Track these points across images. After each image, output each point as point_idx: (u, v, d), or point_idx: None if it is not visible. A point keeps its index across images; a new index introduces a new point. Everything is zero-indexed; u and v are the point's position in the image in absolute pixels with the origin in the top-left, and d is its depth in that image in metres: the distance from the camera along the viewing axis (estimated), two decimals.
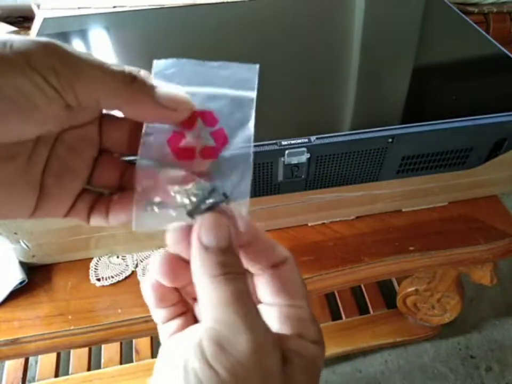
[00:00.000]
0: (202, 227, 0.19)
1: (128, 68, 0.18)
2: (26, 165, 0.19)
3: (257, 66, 0.21)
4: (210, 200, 0.20)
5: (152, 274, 0.21)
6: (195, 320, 0.23)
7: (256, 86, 0.21)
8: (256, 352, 0.17)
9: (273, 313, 0.21)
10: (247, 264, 0.22)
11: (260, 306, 0.22)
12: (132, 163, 0.21)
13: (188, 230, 0.20)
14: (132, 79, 0.18)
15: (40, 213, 0.20)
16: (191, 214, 0.20)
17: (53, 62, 0.16)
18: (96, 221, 0.21)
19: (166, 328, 0.22)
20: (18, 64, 0.16)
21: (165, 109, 0.19)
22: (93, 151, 0.21)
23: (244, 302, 0.18)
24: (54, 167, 0.20)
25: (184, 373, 0.17)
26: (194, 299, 0.23)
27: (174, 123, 0.20)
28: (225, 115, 0.21)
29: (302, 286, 0.22)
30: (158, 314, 0.22)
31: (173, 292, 0.22)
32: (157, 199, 0.20)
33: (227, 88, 0.21)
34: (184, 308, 0.23)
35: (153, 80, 0.20)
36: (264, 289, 0.22)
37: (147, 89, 0.19)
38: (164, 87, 0.19)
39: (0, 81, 0.16)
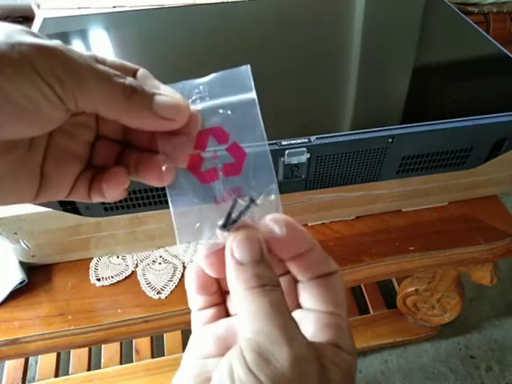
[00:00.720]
0: (234, 243, 0.20)
1: (128, 80, 0.19)
2: (27, 154, 0.19)
3: (248, 66, 0.21)
4: (236, 213, 0.20)
5: (198, 262, 0.22)
6: (227, 313, 0.24)
7: (253, 85, 0.21)
8: (297, 364, 0.17)
9: (312, 318, 0.21)
10: (297, 272, 0.22)
11: (299, 311, 0.22)
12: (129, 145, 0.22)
13: (217, 250, 0.21)
14: (131, 92, 0.18)
15: (43, 196, 0.21)
16: (224, 227, 0.20)
17: (58, 70, 0.17)
18: (97, 197, 0.22)
19: (200, 316, 0.23)
20: (26, 70, 0.16)
21: (163, 119, 0.19)
22: (90, 136, 0.22)
23: (282, 314, 0.18)
24: (53, 153, 0.20)
25: (230, 379, 0.17)
26: (228, 292, 0.23)
27: (171, 130, 0.20)
28: (234, 124, 0.21)
29: (345, 298, 0.22)
30: (195, 301, 0.24)
31: (213, 282, 0.23)
32: (197, 225, 0.21)
33: (226, 97, 0.21)
34: (220, 299, 0.24)
35: (154, 81, 0.20)
36: (308, 295, 0.22)
37: (145, 102, 0.19)
38: (163, 94, 0.20)
39: (8, 86, 0.16)
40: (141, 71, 0.22)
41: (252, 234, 0.20)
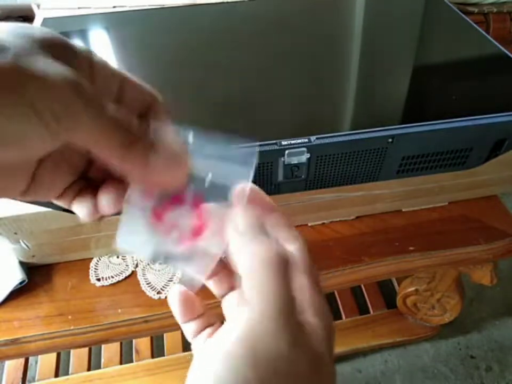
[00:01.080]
0: (237, 218, 0.21)
1: (134, 126, 0.17)
2: (22, 164, 0.19)
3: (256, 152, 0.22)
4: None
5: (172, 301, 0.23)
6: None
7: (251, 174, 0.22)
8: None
9: None
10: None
11: None
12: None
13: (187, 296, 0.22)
14: (131, 142, 0.17)
15: (30, 196, 0.20)
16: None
17: (57, 108, 0.16)
18: (79, 209, 0.21)
19: (197, 343, 0.23)
20: (25, 110, 0.15)
21: (154, 181, 0.18)
22: (84, 154, 0.21)
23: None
24: (50, 160, 0.20)
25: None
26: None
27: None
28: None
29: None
30: (188, 328, 0.23)
31: (200, 302, 0.23)
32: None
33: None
34: (213, 319, 0.24)
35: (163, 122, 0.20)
36: None
37: (142, 156, 0.17)
38: (166, 148, 0.18)
39: (4, 122, 0.15)
40: (157, 106, 0.21)
41: (253, 213, 0.21)
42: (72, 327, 0.48)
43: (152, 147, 0.18)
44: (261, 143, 0.43)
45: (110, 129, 0.16)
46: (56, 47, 0.18)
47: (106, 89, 0.18)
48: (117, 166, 0.18)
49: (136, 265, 0.54)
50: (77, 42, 0.62)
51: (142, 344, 0.92)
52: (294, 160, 0.45)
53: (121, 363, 0.90)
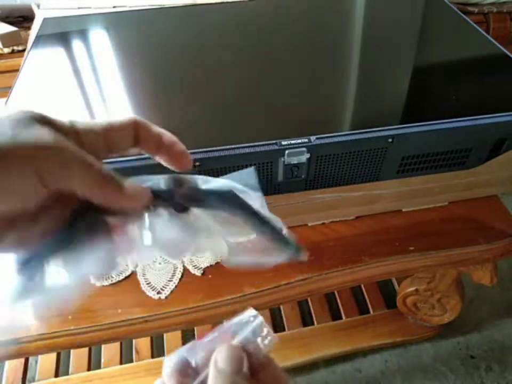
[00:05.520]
0: (219, 355, 0.23)
1: (106, 172, 0.21)
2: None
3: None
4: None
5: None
6: None
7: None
8: None
9: None
10: None
11: None
12: None
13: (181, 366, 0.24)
14: (106, 182, 0.21)
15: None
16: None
17: (55, 167, 0.19)
18: None
19: None
20: (28, 173, 0.19)
21: (128, 201, 0.22)
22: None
23: None
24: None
25: None
26: None
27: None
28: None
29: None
30: None
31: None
32: None
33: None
34: None
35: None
36: None
37: (116, 192, 0.22)
38: (131, 185, 0.22)
39: (6, 178, 0.18)
40: (143, 131, 0.24)
41: (236, 352, 0.23)
42: (72, 327, 0.48)
43: (120, 185, 0.22)
44: (261, 143, 0.43)
45: (93, 178, 0.21)
46: (45, 121, 0.21)
47: (95, 148, 0.22)
48: (96, 201, 0.22)
49: (136, 265, 0.54)
50: (77, 42, 0.62)
51: (142, 344, 0.92)
52: (294, 160, 0.45)
53: (121, 363, 0.90)
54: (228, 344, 0.23)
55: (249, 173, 0.24)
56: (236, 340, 0.24)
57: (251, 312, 0.25)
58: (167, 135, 0.25)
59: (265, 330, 0.25)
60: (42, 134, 0.19)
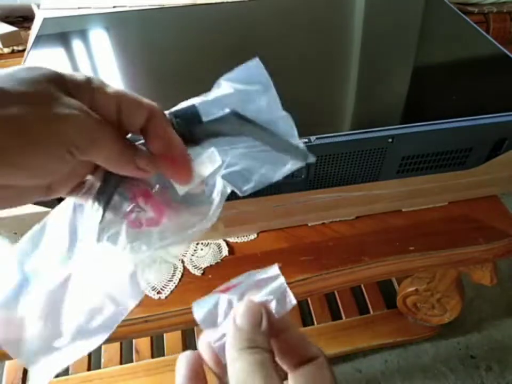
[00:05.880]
0: (238, 311, 0.22)
1: (138, 151, 0.22)
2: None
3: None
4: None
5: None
6: None
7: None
8: None
9: None
10: (279, 360, 0.23)
11: None
12: None
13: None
14: (128, 155, 0.22)
15: (44, 198, 0.23)
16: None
17: (83, 142, 0.20)
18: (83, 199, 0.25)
19: None
20: (61, 148, 0.19)
21: (139, 170, 0.23)
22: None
23: (265, 370, 0.20)
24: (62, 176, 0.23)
25: None
26: None
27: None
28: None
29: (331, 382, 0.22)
30: None
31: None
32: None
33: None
34: None
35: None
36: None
37: (131, 160, 0.22)
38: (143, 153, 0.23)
39: (42, 160, 0.19)
40: (156, 118, 0.23)
41: (255, 308, 0.22)
42: None
43: (136, 154, 0.23)
44: None
45: (120, 149, 0.21)
46: (62, 84, 0.20)
47: (106, 111, 0.21)
48: (114, 169, 0.23)
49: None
50: (77, 42, 0.62)
51: (142, 344, 0.92)
52: None
53: (121, 363, 0.90)
54: (247, 300, 0.23)
55: (255, 64, 0.23)
56: (258, 296, 0.23)
57: (275, 270, 0.24)
58: (181, 146, 0.23)
59: (287, 292, 0.24)
60: (69, 106, 0.19)
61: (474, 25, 0.62)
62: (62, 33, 0.63)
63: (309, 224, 0.56)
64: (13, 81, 0.19)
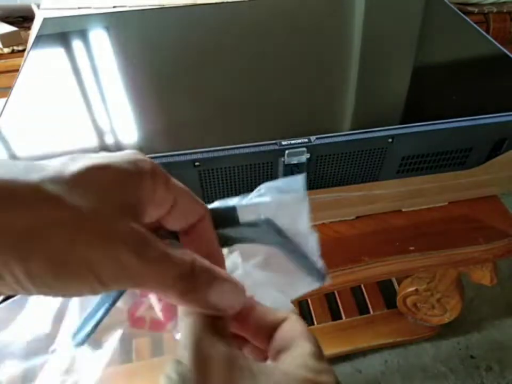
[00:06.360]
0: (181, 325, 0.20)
1: (192, 274, 0.18)
2: None
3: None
4: None
5: None
6: None
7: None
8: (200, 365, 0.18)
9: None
10: (254, 341, 0.22)
11: None
12: None
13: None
14: (188, 292, 0.18)
15: None
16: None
17: (118, 274, 0.16)
18: None
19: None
20: (92, 281, 0.16)
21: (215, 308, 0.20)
22: None
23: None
24: None
25: None
26: None
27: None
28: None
29: (305, 332, 0.21)
30: None
31: None
32: None
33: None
34: None
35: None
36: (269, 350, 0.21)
37: (200, 298, 0.19)
38: (223, 286, 0.19)
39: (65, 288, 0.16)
40: (205, 221, 0.21)
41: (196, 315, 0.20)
42: None
43: (209, 288, 0.19)
44: (261, 143, 0.43)
45: (169, 285, 0.18)
46: (128, 185, 0.18)
47: (163, 202, 0.19)
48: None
49: None
50: (77, 42, 0.62)
51: (142, 344, 0.92)
52: (294, 160, 0.45)
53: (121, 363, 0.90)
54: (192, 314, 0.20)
55: (298, 180, 0.23)
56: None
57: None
58: (222, 255, 0.22)
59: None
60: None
61: (474, 25, 0.62)
62: (62, 33, 0.63)
63: None
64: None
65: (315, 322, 0.97)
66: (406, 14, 0.68)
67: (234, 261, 0.23)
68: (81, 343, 0.21)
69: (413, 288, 0.85)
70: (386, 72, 0.55)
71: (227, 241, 0.23)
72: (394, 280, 1.04)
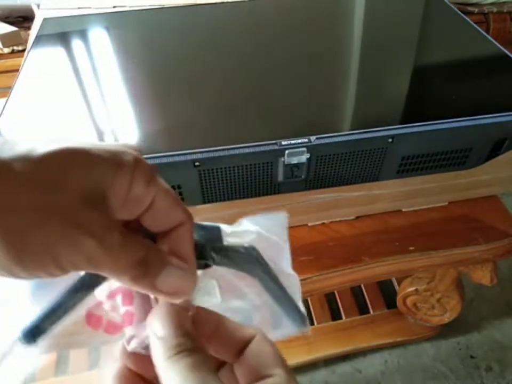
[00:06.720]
0: (153, 320, 0.20)
1: (145, 259, 0.19)
2: None
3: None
4: None
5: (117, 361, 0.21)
6: None
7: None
8: None
9: None
10: (217, 354, 0.21)
11: None
12: None
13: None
14: (142, 275, 0.19)
15: None
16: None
17: (77, 260, 0.17)
18: None
19: None
20: (51, 264, 0.17)
21: (163, 293, 0.20)
22: None
23: (200, 372, 0.18)
24: None
25: None
26: None
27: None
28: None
29: (275, 355, 0.20)
30: None
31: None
32: None
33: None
34: None
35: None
36: (239, 375, 0.21)
37: (150, 283, 0.19)
38: (171, 270, 0.20)
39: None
40: (185, 226, 0.21)
41: (171, 310, 0.20)
42: None
43: (156, 276, 0.19)
44: (261, 143, 0.43)
45: (123, 270, 0.18)
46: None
47: (140, 199, 0.19)
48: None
49: None
50: (77, 42, 0.62)
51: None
52: (294, 160, 0.45)
53: None
54: (162, 304, 0.20)
55: (280, 218, 0.23)
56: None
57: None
58: (195, 265, 0.21)
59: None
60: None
61: (474, 25, 0.62)
62: (62, 33, 0.63)
63: (309, 224, 0.56)
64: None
65: (315, 322, 0.97)
66: (406, 14, 0.68)
67: (210, 289, 0.23)
68: (32, 341, 0.20)
69: (413, 288, 0.85)
70: (386, 72, 0.55)
71: (207, 259, 0.22)
72: (394, 280, 1.04)
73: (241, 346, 0.21)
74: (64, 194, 0.16)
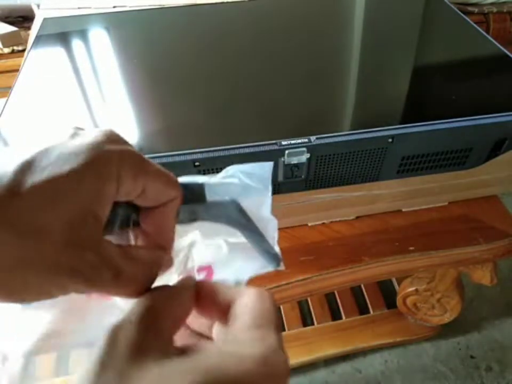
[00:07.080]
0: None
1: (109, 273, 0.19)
2: None
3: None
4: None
5: None
6: None
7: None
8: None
9: None
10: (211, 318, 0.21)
11: None
12: None
13: None
14: (115, 275, 0.19)
15: None
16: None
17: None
18: None
19: None
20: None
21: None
22: None
23: None
24: None
25: None
26: None
27: None
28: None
29: (262, 313, 0.19)
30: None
31: None
32: None
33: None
34: None
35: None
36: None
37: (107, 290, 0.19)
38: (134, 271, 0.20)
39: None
40: (173, 203, 0.22)
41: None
42: None
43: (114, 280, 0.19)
44: (261, 143, 0.43)
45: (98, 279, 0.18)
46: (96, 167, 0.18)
47: (129, 193, 0.19)
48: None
49: None
50: (77, 42, 0.62)
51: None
52: (294, 160, 0.45)
53: None
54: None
55: (265, 166, 0.24)
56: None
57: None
58: (172, 242, 0.22)
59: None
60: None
61: (474, 25, 0.62)
62: (62, 33, 0.63)
63: (309, 224, 0.56)
64: None
65: (315, 322, 0.97)
66: (406, 14, 0.68)
67: (194, 237, 0.25)
68: None
69: (413, 288, 0.85)
70: (386, 72, 0.55)
71: (192, 217, 0.24)
72: (394, 280, 1.05)
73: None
74: (46, 240, 0.16)
